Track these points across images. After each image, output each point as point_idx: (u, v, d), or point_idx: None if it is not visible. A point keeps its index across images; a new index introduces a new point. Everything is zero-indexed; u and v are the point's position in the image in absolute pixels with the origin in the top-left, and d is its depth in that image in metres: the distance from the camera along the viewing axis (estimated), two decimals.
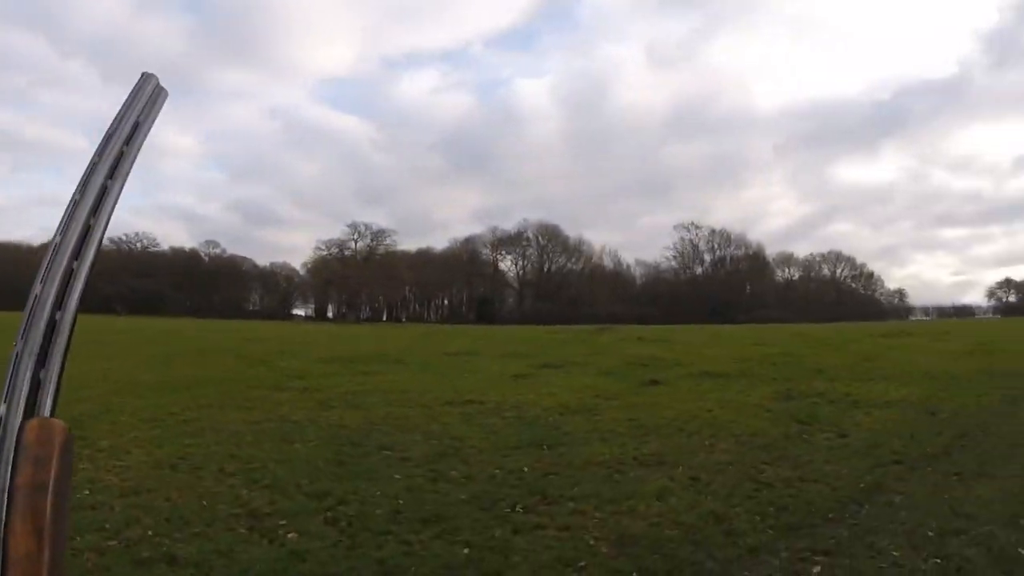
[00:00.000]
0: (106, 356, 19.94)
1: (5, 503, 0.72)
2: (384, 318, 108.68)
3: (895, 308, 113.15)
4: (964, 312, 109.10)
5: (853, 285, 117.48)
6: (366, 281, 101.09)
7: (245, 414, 10.31)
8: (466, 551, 4.94)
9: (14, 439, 0.76)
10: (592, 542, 5.17)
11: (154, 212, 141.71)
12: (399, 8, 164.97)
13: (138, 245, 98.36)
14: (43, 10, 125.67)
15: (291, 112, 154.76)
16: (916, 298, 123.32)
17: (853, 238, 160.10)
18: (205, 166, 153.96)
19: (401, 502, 6.02)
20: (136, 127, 1.01)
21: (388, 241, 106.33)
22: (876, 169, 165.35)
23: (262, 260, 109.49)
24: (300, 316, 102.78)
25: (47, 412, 0.80)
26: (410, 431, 9.23)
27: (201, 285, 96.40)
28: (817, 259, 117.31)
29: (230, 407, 10.90)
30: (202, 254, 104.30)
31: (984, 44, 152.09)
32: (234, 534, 5.15)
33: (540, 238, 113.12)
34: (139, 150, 1.00)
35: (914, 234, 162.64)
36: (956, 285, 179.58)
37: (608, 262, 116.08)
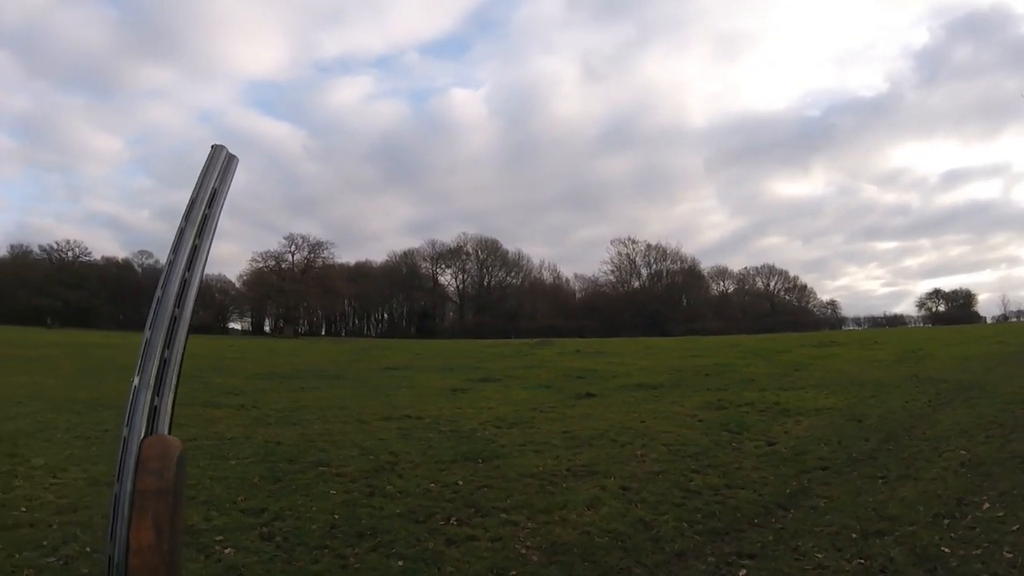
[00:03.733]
0: (40, 371, 19.45)
1: (128, 505, 0.92)
2: (323, 332, 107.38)
3: (827, 319, 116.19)
4: (896, 322, 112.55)
5: (787, 297, 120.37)
6: (304, 295, 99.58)
7: (179, 431, 9.83)
8: (400, 563, 4.99)
9: (135, 454, 0.95)
10: (523, 551, 5.26)
11: (82, 219, 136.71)
12: (330, 10, 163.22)
13: (69, 254, 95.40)
14: None
15: (219, 116, 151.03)
16: (849, 309, 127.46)
17: (785, 251, 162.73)
18: (131, 171, 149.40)
19: (337, 517, 6.03)
20: (215, 193, 1.16)
21: (326, 254, 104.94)
22: (806, 184, 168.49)
23: None
24: (236, 330, 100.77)
25: (164, 432, 1.00)
26: (347, 447, 9.20)
27: (133, 297, 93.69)
28: (751, 272, 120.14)
29: None
30: (135, 265, 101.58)
31: (914, 62, 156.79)
32: None
33: (479, 252, 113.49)
34: (221, 212, 1.17)
35: (845, 247, 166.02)
36: (888, 296, 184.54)
37: (547, 276, 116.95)
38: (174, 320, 1.05)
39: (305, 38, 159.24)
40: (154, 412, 1.00)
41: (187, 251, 1.10)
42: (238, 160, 1.22)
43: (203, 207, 1.14)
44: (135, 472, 0.94)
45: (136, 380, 1.00)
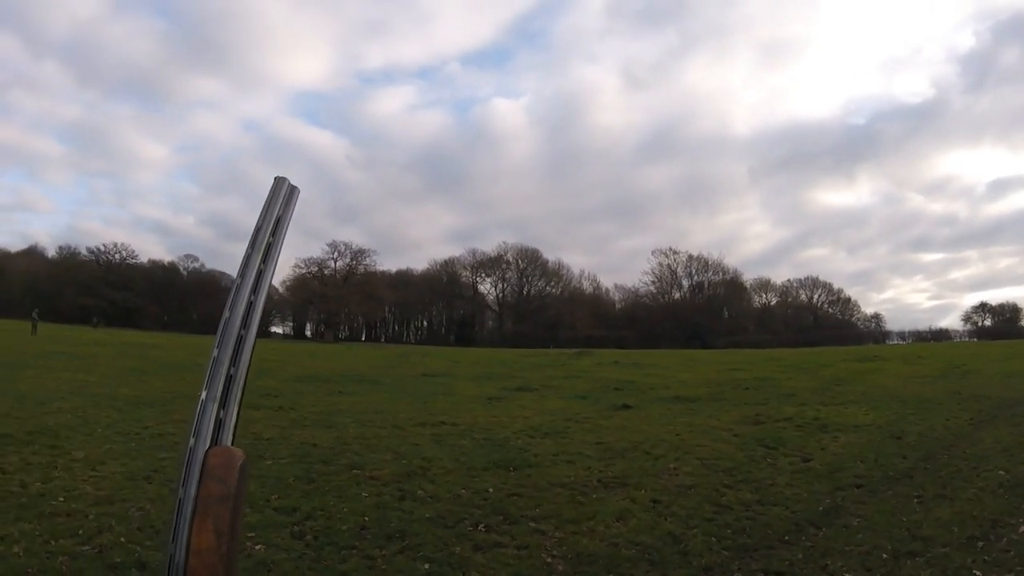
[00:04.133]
0: (84, 368, 19.96)
1: (192, 510, 0.97)
2: (363, 338, 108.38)
3: (871, 332, 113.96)
4: (941, 336, 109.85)
5: (830, 310, 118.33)
6: (345, 300, 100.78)
7: None
8: (427, 567, 5.06)
9: (201, 463, 1.01)
10: (549, 560, 5.29)
11: (130, 224, 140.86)
12: (375, 22, 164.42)
13: (117, 257, 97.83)
14: (15, 9, 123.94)
15: (265, 125, 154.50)
16: (894, 323, 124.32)
17: (830, 262, 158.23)
18: (179, 178, 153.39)
19: (367, 519, 6.13)
20: (279, 221, 1.24)
21: (368, 261, 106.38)
22: (851, 193, 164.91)
23: None
24: (278, 334, 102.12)
25: (228, 443, 1.05)
26: (381, 451, 9.32)
27: (178, 299, 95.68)
28: (794, 284, 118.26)
29: None
30: (180, 268, 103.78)
31: (960, 66, 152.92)
32: None
33: (519, 261, 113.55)
34: (284, 239, 1.24)
35: (891, 258, 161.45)
36: (933, 309, 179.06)
37: (587, 286, 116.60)
38: (240, 339, 1.12)
39: (349, 49, 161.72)
40: (219, 424, 1.05)
41: (253, 275, 1.16)
42: (299, 191, 1.28)
43: (267, 235, 1.20)
44: (200, 479, 0.99)
45: (203, 394, 1.06)
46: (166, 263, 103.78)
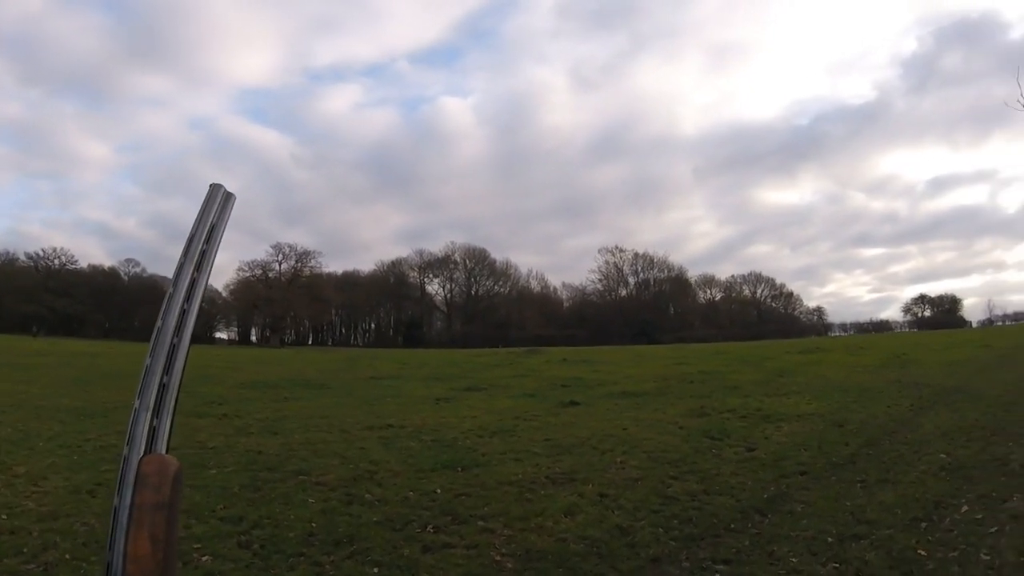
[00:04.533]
0: (25, 379, 19.47)
1: (127, 518, 0.98)
2: (310, 342, 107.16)
3: (814, 325, 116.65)
4: (882, 327, 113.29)
5: (773, 304, 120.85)
6: (291, 304, 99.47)
7: None
8: (376, 570, 5.01)
9: (135, 471, 1.01)
10: (498, 558, 5.28)
11: (71, 227, 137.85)
12: (322, 18, 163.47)
13: (56, 262, 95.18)
14: None
15: (211, 123, 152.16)
16: (835, 315, 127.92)
17: (773, 259, 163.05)
18: (122, 178, 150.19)
19: (314, 525, 6.04)
20: (212, 228, 1.22)
21: (313, 263, 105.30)
22: (795, 192, 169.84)
23: None
24: (223, 340, 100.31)
25: (162, 451, 1.06)
26: (328, 456, 9.20)
27: (120, 306, 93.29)
28: (738, 280, 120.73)
29: None
30: (121, 273, 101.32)
31: (903, 69, 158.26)
32: None
33: (467, 261, 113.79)
34: (218, 247, 1.23)
35: (833, 254, 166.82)
36: (874, 302, 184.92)
37: (535, 285, 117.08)
38: (173, 348, 1.11)
39: (298, 46, 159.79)
40: (153, 432, 1.05)
41: (186, 284, 1.16)
42: (235, 198, 1.27)
43: (201, 242, 1.19)
44: (134, 487, 1.00)
45: (137, 403, 1.06)
46: (106, 268, 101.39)
